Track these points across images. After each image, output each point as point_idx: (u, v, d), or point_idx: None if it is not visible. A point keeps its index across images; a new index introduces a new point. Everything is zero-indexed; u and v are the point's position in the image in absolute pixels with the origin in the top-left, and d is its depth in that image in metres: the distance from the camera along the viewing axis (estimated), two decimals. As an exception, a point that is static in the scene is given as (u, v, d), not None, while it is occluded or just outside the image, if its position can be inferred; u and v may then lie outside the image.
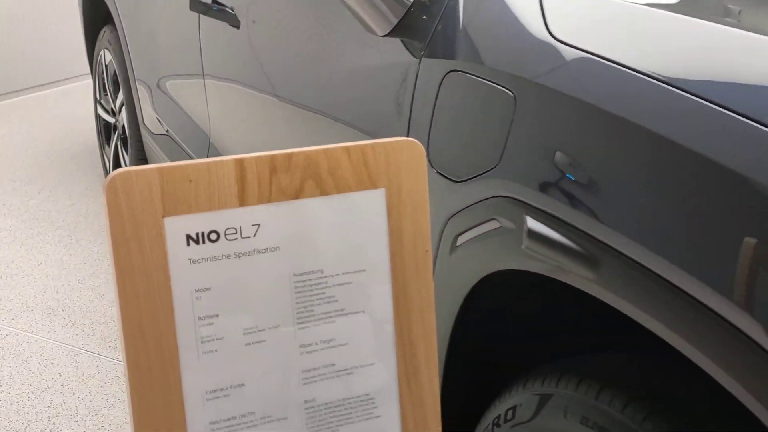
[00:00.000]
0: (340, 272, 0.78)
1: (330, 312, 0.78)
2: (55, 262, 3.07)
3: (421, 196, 0.80)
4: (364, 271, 0.79)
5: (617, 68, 1.00)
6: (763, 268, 0.81)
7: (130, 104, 3.09)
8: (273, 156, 0.75)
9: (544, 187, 1.06)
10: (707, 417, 1.01)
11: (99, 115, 3.65)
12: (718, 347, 0.85)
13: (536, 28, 1.14)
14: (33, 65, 5.53)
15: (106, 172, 3.62)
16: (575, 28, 1.12)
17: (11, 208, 3.58)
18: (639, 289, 0.93)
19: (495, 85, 1.15)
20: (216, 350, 0.75)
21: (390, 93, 1.39)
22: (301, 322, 0.77)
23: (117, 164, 3.46)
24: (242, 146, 2.08)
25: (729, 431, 0.98)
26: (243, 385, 0.76)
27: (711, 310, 0.84)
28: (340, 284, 0.78)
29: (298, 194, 0.76)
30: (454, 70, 1.24)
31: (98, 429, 2.15)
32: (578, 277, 1.01)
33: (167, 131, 2.71)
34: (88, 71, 3.95)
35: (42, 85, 5.60)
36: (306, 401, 0.79)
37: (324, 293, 0.78)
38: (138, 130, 3.07)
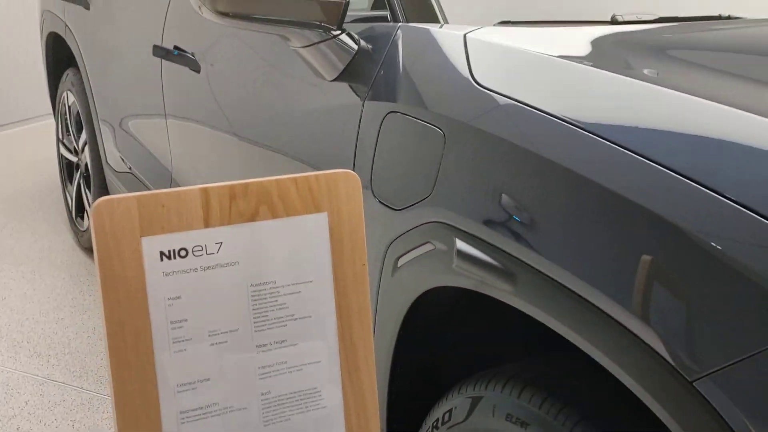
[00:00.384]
0: (290, 283, 0.92)
1: (282, 317, 0.93)
2: (19, 296, 3.16)
3: (358, 218, 0.95)
4: (310, 282, 0.93)
5: (530, 110, 1.17)
6: (654, 281, 0.97)
7: (93, 143, 3.21)
8: (232, 185, 0.89)
9: (470, 213, 1.21)
10: (613, 408, 1.16)
11: (61, 155, 3.76)
12: (616, 347, 1.00)
13: (462, 75, 1.30)
14: (-7, 106, 5.60)
15: (69, 210, 3.72)
16: (495, 75, 1.29)
17: (-26, 245, 3.66)
18: (549, 299, 1.08)
19: (428, 125, 1.31)
20: (185, 349, 0.88)
21: (338, 131, 1.54)
22: (258, 326, 0.91)
23: (80, 201, 3.56)
24: (203, 181, 2.22)
25: (629, 420, 1.14)
26: (208, 379, 0.90)
27: (609, 316, 0.99)
28: (290, 293, 0.93)
29: (253, 217, 0.90)
30: (393, 111, 1.40)
31: (65, 454, 2.24)
32: (499, 290, 1.17)
33: (130, 169, 2.84)
34: (48, 112, 4.06)
35: (2, 125, 5.68)
36: (262, 393, 0.92)
37: (277, 301, 0.92)
38: (101, 168, 3.19)
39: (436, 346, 1.47)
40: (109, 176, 3.10)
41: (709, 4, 1.71)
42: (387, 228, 1.39)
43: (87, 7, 3.02)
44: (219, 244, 0.89)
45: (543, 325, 1.11)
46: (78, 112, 3.40)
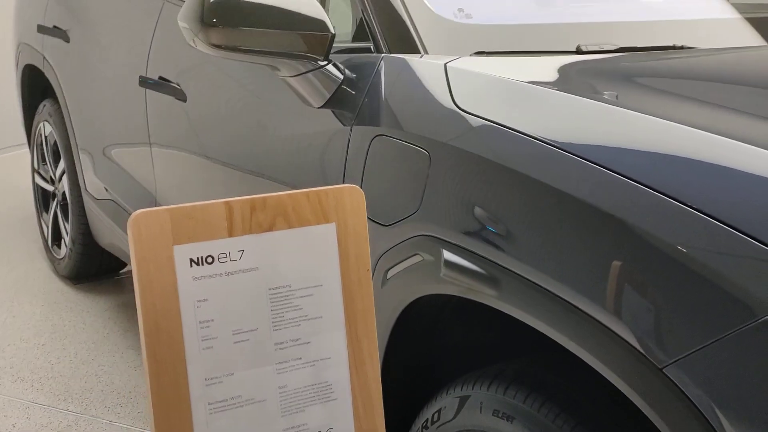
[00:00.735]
0: (304, 286, 1.03)
1: (296, 317, 1.03)
2: (-1, 324, 3.20)
3: (362, 228, 1.06)
4: (321, 285, 1.04)
5: (508, 131, 1.29)
6: (624, 281, 1.09)
7: (72, 172, 3.28)
8: (252, 199, 1.00)
9: (456, 226, 1.33)
10: (591, 400, 1.28)
11: (37, 184, 3.81)
12: (593, 342, 1.12)
13: (444, 99, 1.43)
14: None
15: (44, 239, 3.76)
16: (475, 100, 1.41)
17: (-51, 275, 3.68)
18: (531, 301, 1.20)
19: (413, 146, 1.43)
20: (212, 347, 0.98)
21: (327, 156, 1.66)
22: (275, 325, 1.02)
23: (56, 229, 3.61)
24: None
25: (608, 411, 1.25)
26: (232, 374, 1.00)
27: (586, 313, 1.11)
28: (303, 296, 1.03)
29: (271, 227, 1.01)
30: (380, 135, 1.52)
31: (55, 473, 2.29)
32: (485, 295, 1.28)
33: (111, 196, 2.91)
34: (17, 143, 4.08)
35: (-30, 156, 5.69)
36: (280, 387, 1.03)
37: (291, 303, 1.03)
38: (80, 196, 3.25)
39: (424, 352, 1.57)
40: (89, 204, 3.17)
41: (664, 34, 1.87)
42: (376, 243, 1.49)
43: (67, 40, 3.10)
44: (241, 252, 0.99)
45: (528, 326, 1.23)
46: (55, 142, 3.47)
